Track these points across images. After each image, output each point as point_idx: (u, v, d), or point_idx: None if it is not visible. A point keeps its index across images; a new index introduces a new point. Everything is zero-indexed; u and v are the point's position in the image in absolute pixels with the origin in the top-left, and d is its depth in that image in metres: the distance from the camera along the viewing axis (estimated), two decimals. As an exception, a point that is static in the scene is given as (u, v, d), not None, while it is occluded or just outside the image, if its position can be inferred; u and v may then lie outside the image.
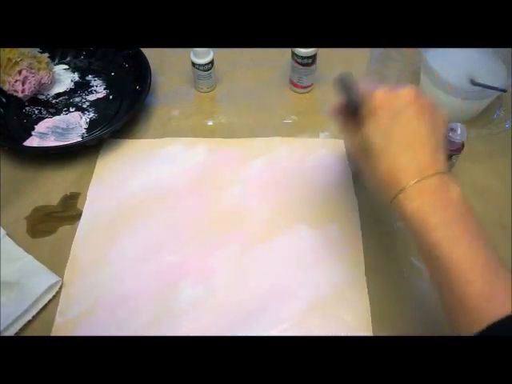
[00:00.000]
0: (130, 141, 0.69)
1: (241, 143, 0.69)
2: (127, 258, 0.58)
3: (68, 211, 0.62)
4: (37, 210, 0.62)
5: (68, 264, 0.57)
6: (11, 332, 0.52)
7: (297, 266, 0.57)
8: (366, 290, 0.55)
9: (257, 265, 0.57)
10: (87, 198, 0.63)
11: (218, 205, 0.62)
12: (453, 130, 0.59)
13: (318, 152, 0.68)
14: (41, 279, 0.55)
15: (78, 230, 0.60)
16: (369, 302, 0.54)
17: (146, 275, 0.56)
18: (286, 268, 0.57)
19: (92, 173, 0.65)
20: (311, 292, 0.55)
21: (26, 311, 0.53)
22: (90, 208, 0.62)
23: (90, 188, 0.64)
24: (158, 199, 0.63)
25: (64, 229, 0.60)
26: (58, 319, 0.53)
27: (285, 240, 0.59)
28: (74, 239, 0.59)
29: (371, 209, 0.62)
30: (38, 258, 0.57)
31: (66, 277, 0.56)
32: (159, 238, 0.59)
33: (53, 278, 0.55)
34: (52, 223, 0.60)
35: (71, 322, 0.53)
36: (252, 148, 0.68)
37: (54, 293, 0.55)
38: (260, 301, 0.54)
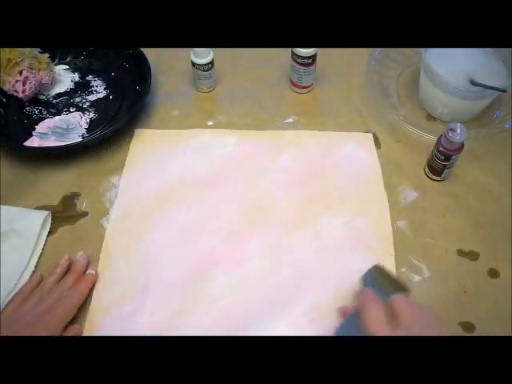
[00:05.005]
0: (161, 131, 0.70)
1: (269, 135, 0.69)
2: (160, 245, 0.59)
3: (68, 211, 0.62)
4: (37, 209, 0.62)
5: (102, 251, 0.58)
6: (29, 271, 0.55)
7: (326, 257, 0.57)
8: None
9: (287, 255, 0.58)
10: (120, 185, 0.64)
11: (248, 195, 0.63)
12: (452, 130, 0.59)
13: (347, 146, 0.68)
14: (32, 217, 0.58)
15: (111, 216, 0.61)
16: None
17: (178, 262, 0.57)
18: (316, 259, 0.57)
19: (92, 173, 0.65)
20: (340, 283, 0.55)
21: (34, 249, 0.56)
22: (123, 196, 0.63)
23: (122, 176, 0.65)
24: (190, 188, 0.64)
25: (64, 229, 0.60)
26: (93, 304, 0.54)
27: (314, 232, 0.60)
28: (108, 227, 0.60)
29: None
30: (39, 258, 0.57)
31: (100, 262, 0.57)
32: (191, 226, 0.60)
33: (42, 212, 0.58)
34: (52, 223, 0.60)
35: (105, 307, 0.54)
36: (280, 141, 0.69)
37: (49, 225, 0.59)
38: (290, 291, 0.55)
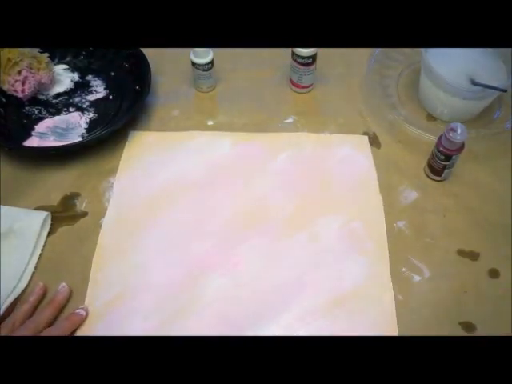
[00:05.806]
0: (156, 133, 0.70)
1: (266, 138, 0.69)
2: (153, 248, 0.58)
3: (68, 211, 0.62)
4: (37, 210, 0.61)
5: (95, 253, 0.58)
6: (29, 272, 0.55)
7: (321, 260, 0.57)
8: (391, 285, 0.55)
9: (282, 258, 0.58)
10: (114, 187, 0.63)
11: (244, 198, 0.63)
12: (453, 130, 0.59)
13: (343, 148, 0.68)
14: (31, 217, 0.58)
15: (104, 219, 0.61)
16: (394, 298, 0.54)
17: (172, 265, 0.57)
18: (311, 262, 0.57)
19: (92, 173, 0.65)
20: (335, 287, 0.55)
21: (34, 249, 0.56)
22: (117, 197, 0.63)
23: (116, 178, 0.64)
24: (185, 191, 0.64)
25: (64, 229, 0.60)
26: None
27: (309, 234, 0.59)
28: (102, 229, 0.60)
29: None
30: (38, 258, 0.57)
31: (93, 265, 0.57)
32: (185, 228, 0.60)
33: (42, 213, 0.58)
34: (52, 223, 0.60)
35: (97, 312, 0.53)
36: (277, 143, 0.69)
37: (49, 226, 0.59)
38: (285, 294, 0.55)
